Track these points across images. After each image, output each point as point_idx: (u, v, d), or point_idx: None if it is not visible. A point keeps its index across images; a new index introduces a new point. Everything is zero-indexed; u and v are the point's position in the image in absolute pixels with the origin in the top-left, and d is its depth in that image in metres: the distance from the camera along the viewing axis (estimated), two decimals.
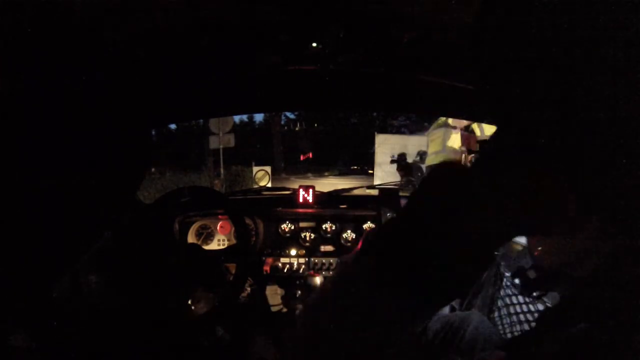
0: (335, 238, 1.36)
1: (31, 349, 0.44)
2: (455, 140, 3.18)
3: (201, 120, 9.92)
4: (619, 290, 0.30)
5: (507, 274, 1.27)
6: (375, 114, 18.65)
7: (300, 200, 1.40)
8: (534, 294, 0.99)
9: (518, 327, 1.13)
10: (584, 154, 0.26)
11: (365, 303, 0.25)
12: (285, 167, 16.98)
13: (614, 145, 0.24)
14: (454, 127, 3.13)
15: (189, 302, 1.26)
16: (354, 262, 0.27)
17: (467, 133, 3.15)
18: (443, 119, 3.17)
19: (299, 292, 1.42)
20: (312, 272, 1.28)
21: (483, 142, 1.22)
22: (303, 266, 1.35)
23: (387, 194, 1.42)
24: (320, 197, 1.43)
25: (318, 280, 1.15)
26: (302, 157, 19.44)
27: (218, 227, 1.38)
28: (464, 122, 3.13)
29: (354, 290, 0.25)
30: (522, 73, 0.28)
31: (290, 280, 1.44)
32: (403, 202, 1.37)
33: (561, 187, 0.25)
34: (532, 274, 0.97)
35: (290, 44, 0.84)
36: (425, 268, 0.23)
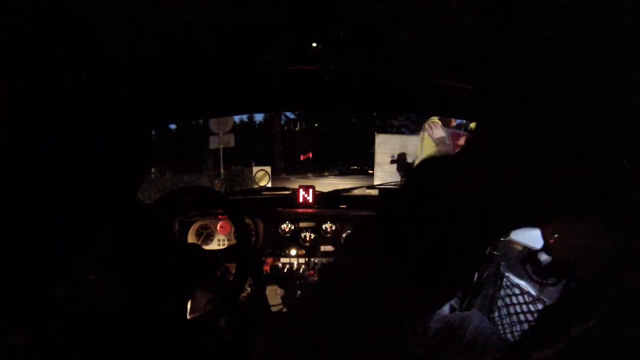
0: (335, 238, 1.36)
1: (31, 348, 0.44)
2: (428, 143, 3.14)
3: (201, 120, 9.93)
4: (619, 290, 0.30)
5: (507, 274, 1.27)
6: (375, 114, 18.64)
7: (300, 200, 1.40)
8: (546, 280, 0.97)
9: (518, 327, 1.13)
10: (584, 154, 0.26)
11: (371, 295, 0.24)
12: (285, 167, 16.97)
13: (614, 145, 0.24)
14: (434, 126, 3.08)
15: (189, 302, 1.25)
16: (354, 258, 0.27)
17: (466, 132, 3.14)
18: (432, 119, 3.13)
19: (299, 292, 1.42)
20: (312, 272, 1.28)
21: None
22: (303, 266, 1.35)
23: (387, 194, 1.42)
24: (320, 197, 1.43)
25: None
26: (302, 157, 19.42)
27: (218, 227, 1.38)
28: (448, 122, 3.08)
29: (357, 282, 0.25)
30: (522, 73, 0.28)
31: (290, 280, 1.44)
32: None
33: (561, 186, 0.25)
34: (543, 258, 0.94)
35: (291, 44, 0.84)
36: (432, 257, 0.23)
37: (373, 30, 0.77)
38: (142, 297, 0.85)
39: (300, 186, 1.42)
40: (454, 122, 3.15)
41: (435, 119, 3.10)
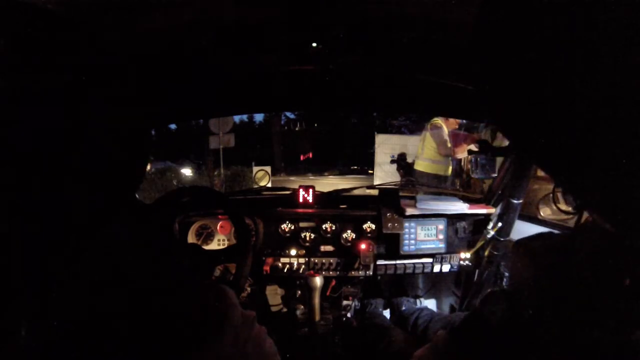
0: (335, 238, 1.36)
1: (31, 348, 0.44)
2: (429, 143, 3.13)
3: (201, 120, 9.95)
4: (619, 290, 0.30)
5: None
6: (375, 114, 18.66)
7: (300, 200, 1.40)
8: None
9: None
10: (584, 154, 0.26)
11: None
12: (285, 167, 16.99)
13: (614, 145, 0.24)
14: (436, 127, 3.08)
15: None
16: None
17: (466, 133, 3.14)
18: (434, 120, 3.14)
19: (299, 292, 1.42)
20: (312, 272, 1.28)
21: (482, 143, 1.22)
22: (303, 266, 1.35)
23: (387, 194, 1.42)
24: (320, 197, 1.43)
25: (318, 280, 1.15)
26: (302, 157, 19.42)
27: (218, 227, 1.38)
28: (452, 122, 3.08)
29: None
30: (522, 73, 0.28)
31: (290, 280, 1.43)
32: (403, 202, 1.37)
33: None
34: None
35: (291, 44, 0.84)
36: None
37: (373, 31, 0.77)
38: (142, 297, 0.85)
39: (300, 186, 1.42)
40: (457, 124, 3.15)
41: (438, 119, 3.11)
